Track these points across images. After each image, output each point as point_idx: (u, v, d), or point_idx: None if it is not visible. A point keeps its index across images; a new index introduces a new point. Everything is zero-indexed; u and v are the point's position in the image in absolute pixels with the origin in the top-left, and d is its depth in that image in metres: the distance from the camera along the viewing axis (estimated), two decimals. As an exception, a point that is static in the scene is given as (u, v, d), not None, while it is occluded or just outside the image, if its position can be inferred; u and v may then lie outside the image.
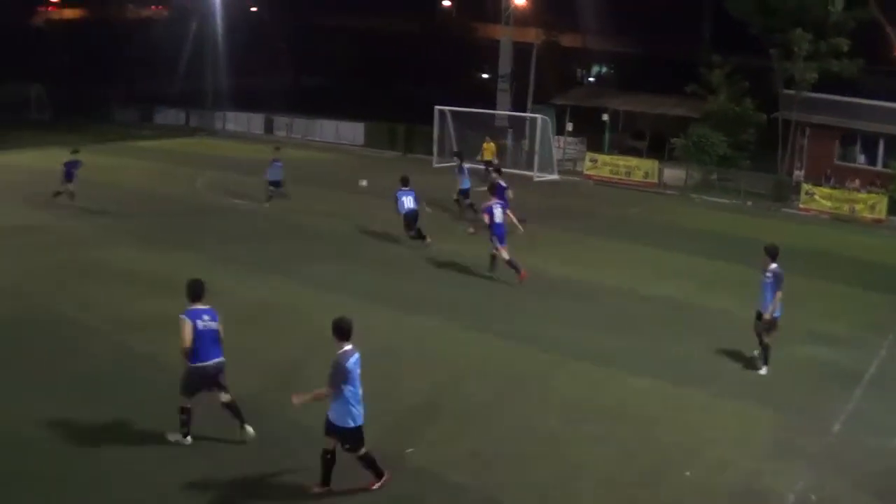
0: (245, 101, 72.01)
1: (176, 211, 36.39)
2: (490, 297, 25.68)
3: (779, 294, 19.29)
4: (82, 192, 37.97)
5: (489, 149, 47.25)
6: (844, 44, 43.89)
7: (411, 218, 30.75)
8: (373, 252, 30.66)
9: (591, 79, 78.35)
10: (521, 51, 62.12)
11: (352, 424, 13.66)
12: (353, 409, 13.63)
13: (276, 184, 37.35)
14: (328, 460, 13.98)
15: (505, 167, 48.48)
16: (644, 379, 19.43)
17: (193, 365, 15.72)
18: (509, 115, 56.02)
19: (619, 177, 48.44)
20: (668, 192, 46.43)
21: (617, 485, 14.87)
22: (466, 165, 37.17)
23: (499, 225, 27.06)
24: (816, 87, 45.88)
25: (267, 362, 20.07)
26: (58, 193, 36.19)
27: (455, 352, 20.98)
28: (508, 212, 27.89)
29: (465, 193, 36.49)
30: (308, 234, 31.88)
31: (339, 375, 13.43)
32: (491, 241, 27.12)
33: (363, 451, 13.96)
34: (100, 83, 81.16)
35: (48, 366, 19.50)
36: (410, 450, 15.73)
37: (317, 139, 62.81)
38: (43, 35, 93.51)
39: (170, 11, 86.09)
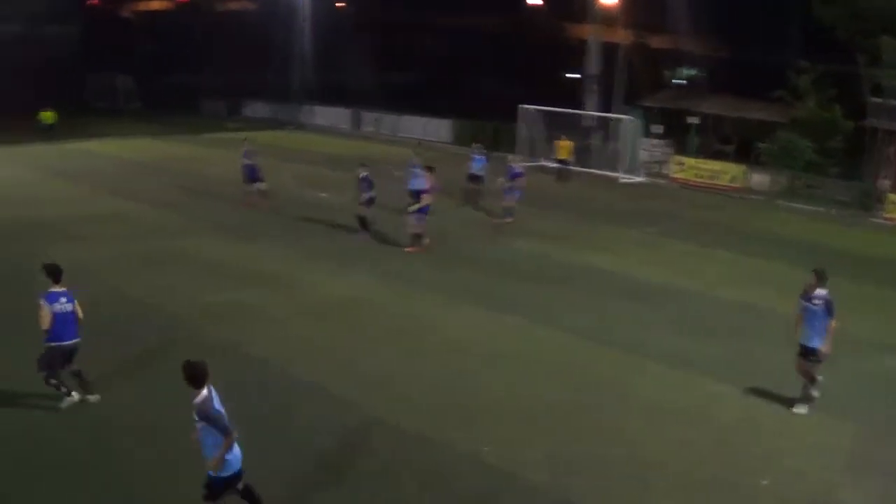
0: (333, 95, 72.49)
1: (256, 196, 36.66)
2: (569, 295, 25.85)
3: (834, 323, 17.89)
4: (171, 183, 38.66)
5: (564, 147, 47.36)
6: (932, 52, 43.28)
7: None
8: (455, 249, 30.98)
9: (679, 81, 77.85)
10: (609, 51, 61.86)
11: (230, 472, 12.54)
12: (229, 456, 12.44)
13: (475, 177, 38.13)
14: (248, 496, 13.15)
15: (590, 168, 48.84)
16: (722, 384, 19.48)
17: (51, 344, 16.58)
18: (596, 116, 55.88)
19: (704, 180, 48.10)
20: (754, 197, 45.92)
21: (693, 490, 14.97)
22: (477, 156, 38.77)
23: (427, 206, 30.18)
24: (904, 96, 45.22)
25: (337, 356, 20.59)
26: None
27: (533, 350, 21.22)
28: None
29: (476, 179, 38.01)
30: (392, 230, 32.06)
31: (221, 418, 12.24)
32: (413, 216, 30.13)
33: None
34: (187, 75, 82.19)
35: (125, 351, 20.19)
36: (486, 448, 15.95)
37: (404, 135, 63.04)
38: (131, 26, 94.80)
39: (258, 5, 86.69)
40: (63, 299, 16.77)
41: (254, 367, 19.55)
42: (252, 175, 36.14)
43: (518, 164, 36.28)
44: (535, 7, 78.30)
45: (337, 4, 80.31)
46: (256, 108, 76.92)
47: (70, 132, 57.64)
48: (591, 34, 62.16)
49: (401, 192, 32.61)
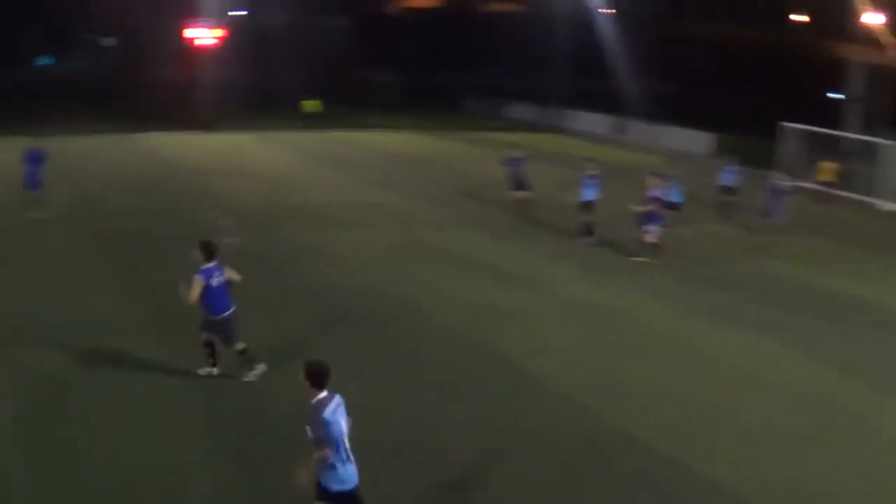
0: (593, 101, 72.85)
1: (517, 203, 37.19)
2: (817, 322, 25.39)
3: None
4: (432, 178, 40.00)
5: (827, 169, 46.96)
6: None
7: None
8: (706, 264, 31.37)
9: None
10: (874, 72, 60.80)
11: (341, 488, 11.60)
12: (340, 469, 11.59)
13: (727, 189, 39.06)
14: None
15: (850, 192, 47.75)
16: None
17: (211, 319, 18.21)
18: (858, 139, 54.84)
19: (968, 213, 46.77)
20: None
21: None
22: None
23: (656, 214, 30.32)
24: None
25: (585, 362, 21.33)
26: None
27: (778, 374, 21.10)
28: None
29: (726, 191, 38.92)
30: (634, 239, 31.86)
31: (327, 430, 11.41)
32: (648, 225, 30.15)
33: None
34: (451, 73, 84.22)
35: (370, 344, 21.49)
36: (707, 467, 16.11)
37: (662, 145, 63.16)
38: (399, 21, 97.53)
39: (527, 8, 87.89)
40: (217, 273, 18.08)
41: (500, 367, 20.55)
42: (517, 183, 36.68)
43: (782, 182, 36.01)
44: (799, 24, 77.42)
45: (602, 10, 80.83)
46: (518, 110, 78.48)
47: (334, 122, 60.40)
48: (854, 54, 61.18)
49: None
